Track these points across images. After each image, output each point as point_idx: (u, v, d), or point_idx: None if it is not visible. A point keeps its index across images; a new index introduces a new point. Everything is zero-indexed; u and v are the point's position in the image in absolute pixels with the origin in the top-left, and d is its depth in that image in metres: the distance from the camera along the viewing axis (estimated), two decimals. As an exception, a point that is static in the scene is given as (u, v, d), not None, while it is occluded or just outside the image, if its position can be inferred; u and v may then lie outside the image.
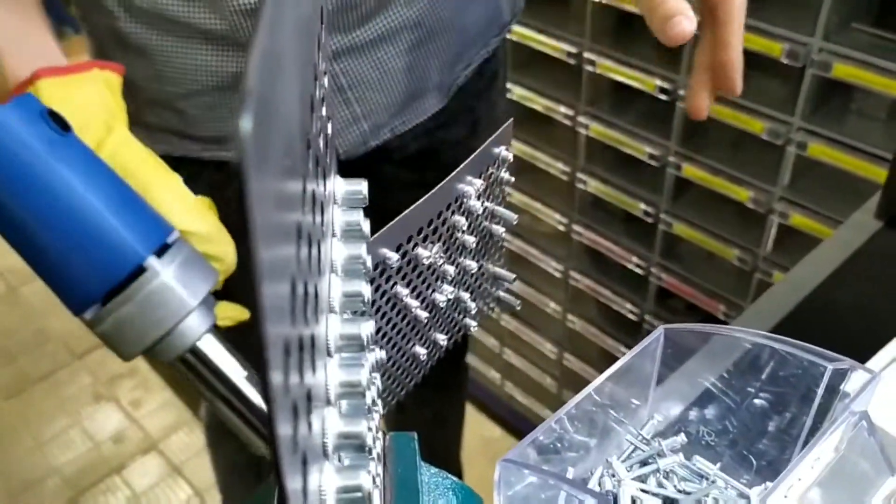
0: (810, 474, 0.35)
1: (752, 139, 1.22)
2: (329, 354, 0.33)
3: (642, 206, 1.38)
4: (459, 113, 0.87)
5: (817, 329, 0.77)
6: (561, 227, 1.54)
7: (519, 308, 0.65)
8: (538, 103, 1.44)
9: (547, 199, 1.55)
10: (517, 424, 1.89)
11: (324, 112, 0.35)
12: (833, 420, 0.36)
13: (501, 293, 0.65)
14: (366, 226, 0.39)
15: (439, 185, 0.51)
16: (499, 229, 0.59)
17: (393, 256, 0.48)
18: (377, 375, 0.43)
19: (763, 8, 1.13)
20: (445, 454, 1.40)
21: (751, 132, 1.18)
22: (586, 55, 1.32)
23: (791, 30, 1.08)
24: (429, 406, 1.29)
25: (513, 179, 0.57)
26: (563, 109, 1.41)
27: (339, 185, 0.39)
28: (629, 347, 1.62)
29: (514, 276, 0.62)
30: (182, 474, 1.89)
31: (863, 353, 0.63)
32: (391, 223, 0.48)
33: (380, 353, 0.43)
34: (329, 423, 0.29)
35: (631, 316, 1.52)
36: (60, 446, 1.95)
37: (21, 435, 1.98)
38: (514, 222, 0.58)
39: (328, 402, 0.31)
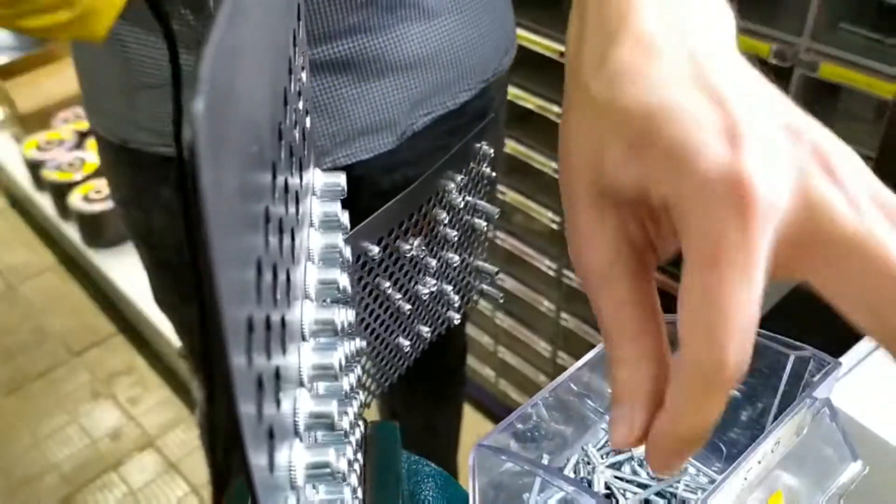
0: (771, 458, 0.36)
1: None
2: (304, 338, 0.34)
3: (634, 204, 1.39)
4: (434, 150, 0.80)
5: (801, 324, 0.78)
6: (554, 226, 1.55)
7: (502, 300, 0.66)
8: (531, 102, 1.46)
9: (540, 197, 1.56)
10: (512, 422, 1.90)
11: (301, 105, 0.36)
12: (794, 407, 0.38)
13: (485, 286, 0.66)
14: (344, 217, 0.40)
15: (419, 180, 0.52)
16: (481, 223, 0.60)
17: (374, 249, 0.50)
18: (357, 364, 0.44)
19: (751, 8, 1.14)
20: (441, 463, 1.39)
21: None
22: (579, 55, 1.33)
23: (779, 30, 1.09)
24: (424, 416, 1.28)
25: (494, 174, 0.58)
26: (556, 109, 1.42)
27: (317, 177, 0.40)
28: (622, 345, 1.63)
29: (496, 269, 0.64)
30: (179, 471, 1.91)
31: (846, 348, 0.65)
32: (371, 216, 0.49)
33: (360, 343, 0.44)
34: (301, 402, 0.31)
35: (623, 314, 1.53)
36: (58, 443, 1.97)
37: (19, 431, 2.00)
38: (496, 216, 0.60)
39: (301, 384, 0.32)
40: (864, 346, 0.64)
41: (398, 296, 0.54)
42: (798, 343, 0.43)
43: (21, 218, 2.65)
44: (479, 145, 0.57)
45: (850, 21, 1.10)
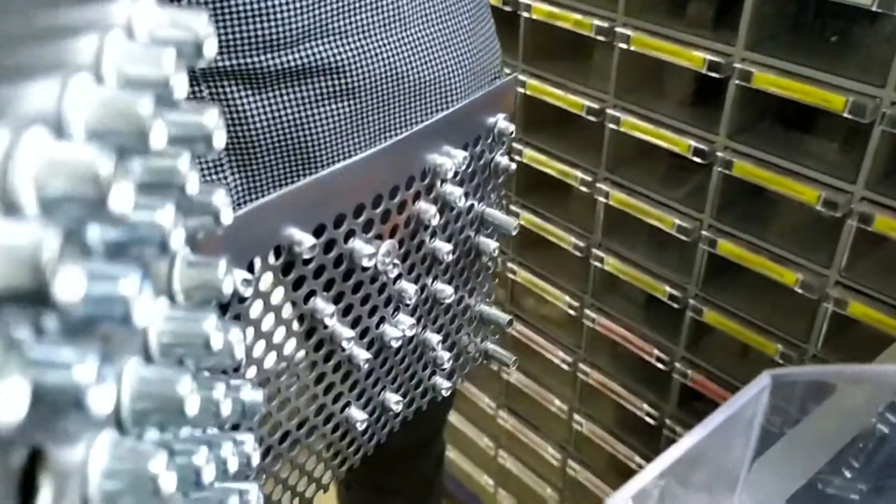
0: None
1: (804, 211, 1.04)
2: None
3: (668, 288, 1.18)
4: None
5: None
6: (571, 312, 1.35)
7: (515, 366, 0.46)
8: (551, 167, 1.27)
9: (556, 277, 1.36)
10: (510, 541, 1.65)
11: None
12: None
13: (491, 344, 0.45)
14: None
15: (394, 140, 0.32)
16: (489, 244, 0.40)
17: (305, 241, 0.29)
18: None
19: (822, 54, 0.97)
20: None
21: (803, 202, 1.00)
22: (610, 111, 1.15)
23: (857, 80, 0.91)
24: None
25: (513, 166, 0.38)
26: (580, 174, 1.23)
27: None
28: (644, 456, 1.40)
29: (509, 317, 0.43)
30: None
31: None
32: (303, 182, 0.29)
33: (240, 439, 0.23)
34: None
35: (648, 419, 1.31)
36: None
37: None
38: (514, 231, 0.40)
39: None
40: None
41: (349, 334, 0.34)
42: None
43: None
44: (493, 119, 0.37)
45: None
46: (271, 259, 0.28)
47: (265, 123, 0.54)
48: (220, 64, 0.51)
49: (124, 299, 0.15)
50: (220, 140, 0.19)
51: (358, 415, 0.38)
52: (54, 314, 0.14)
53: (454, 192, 0.36)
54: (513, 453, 1.61)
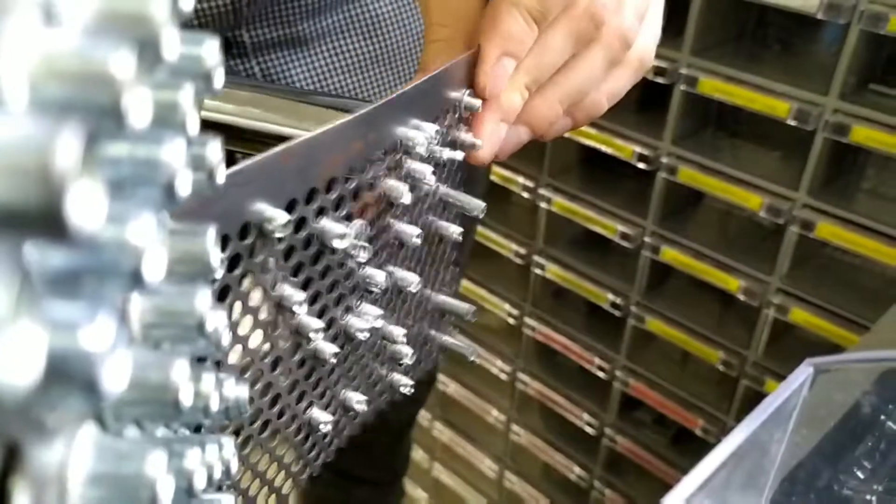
0: None
1: (746, 218, 1.04)
2: None
3: (610, 296, 1.17)
4: None
5: None
6: (511, 320, 1.33)
7: (475, 360, 0.43)
8: (493, 173, 1.25)
9: (495, 285, 1.34)
10: (444, 556, 1.62)
11: None
12: None
13: (447, 337, 0.43)
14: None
15: (370, 108, 0.29)
16: (452, 229, 0.38)
17: (278, 217, 0.26)
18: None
19: (765, 62, 0.98)
20: None
21: (746, 209, 1.00)
22: (553, 117, 1.14)
23: (800, 87, 0.92)
24: None
25: (478, 142, 0.35)
26: (521, 180, 1.22)
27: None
28: (583, 466, 1.39)
29: (471, 307, 0.41)
30: None
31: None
32: (279, 149, 0.26)
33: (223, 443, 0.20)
34: None
35: (588, 429, 1.30)
36: None
37: None
38: (481, 214, 0.37)
39: None
40: None
41: (317, 325, 0.31)
42: None
43: None
44: (458, 94, 0.35)
45: (881, 81, 0.93)
46: (237, 239, 0.25)
47: (308, 82, 0.54)
48: (268, 35, 0.51)
49: (135, 248, 0.11)
50: (219, 79, 0.16)
51: (322, 416, 0.34)
52: (52, 252, 0.10)
53: (423, 169, 0.33)
54: (448, 466, 1.57)
